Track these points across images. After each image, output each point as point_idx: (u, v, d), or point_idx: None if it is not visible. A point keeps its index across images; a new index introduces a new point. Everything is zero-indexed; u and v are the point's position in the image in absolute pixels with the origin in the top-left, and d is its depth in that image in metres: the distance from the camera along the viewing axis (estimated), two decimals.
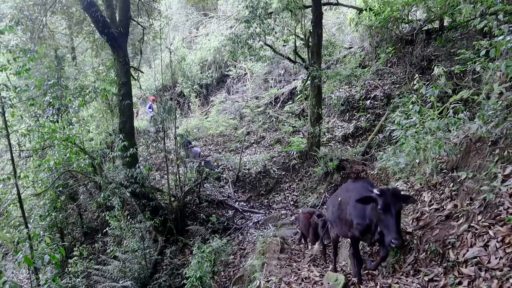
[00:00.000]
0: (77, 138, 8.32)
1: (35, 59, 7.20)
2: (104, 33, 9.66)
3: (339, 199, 5.02)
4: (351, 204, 4.61)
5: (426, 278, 4.24)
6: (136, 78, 12.51)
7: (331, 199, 5.83)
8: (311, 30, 11.21)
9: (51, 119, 9.31)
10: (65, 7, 11.88)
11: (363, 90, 13.56)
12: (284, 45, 13.19)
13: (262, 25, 10.69)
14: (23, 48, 7.02)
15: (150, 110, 17.44)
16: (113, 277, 8.56)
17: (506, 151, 4.28)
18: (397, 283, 4.41)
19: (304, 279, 5.34)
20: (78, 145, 8.49)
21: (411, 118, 5.75)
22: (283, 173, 12.94)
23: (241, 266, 7.86)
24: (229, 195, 12.47)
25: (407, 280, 4.49)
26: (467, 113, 5.55)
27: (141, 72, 14.38)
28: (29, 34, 11.52)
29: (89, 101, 9.85)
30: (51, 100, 8.52)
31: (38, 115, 10.06)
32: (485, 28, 5.11)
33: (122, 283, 8.13)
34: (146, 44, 15.24)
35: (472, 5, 7.83)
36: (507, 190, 3.96)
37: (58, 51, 11.76)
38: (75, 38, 13.91)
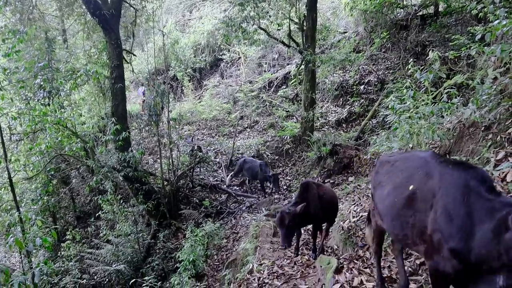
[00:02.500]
0: (68, 121, 8.20)
1: (25, 41, 7.05)
2: (95, 15, 9.50)
3: (411, 187, 2.94)
4: (442, 210, 2.58)
5: (417, 262, 4.28)
6: (128, 61, 12.37)
7: (386, 170, 3.46)
8: (306, 14, 11.11)
9: (42, 102, 9.19)
10: None
11: (357, 75, 13.53)
12: (278, 29, 13.08)
13: (256, 8, 10.57)
14: (12, 30, 6.87)
15: (143, 93, 17.31)
16: (106, 260, 8.58)
17: (499, 136, 4.30)
18: (389, 266, 4.45)
19: (296, 263, 5.39)
20: (70, 128, 8.39)
21: (405, 103, 5.74)
22: (277, 157, 12.96)
23: (234, 249, 7.91)
24: (222, 179, 12.48)
25: None
26: (461, 98, 5.57)
27: (134, 55, 14.23)
28: (18, 16, 11.29)
29: (81, 84, 9.73)
30: (42, 83, 8.43)
31: (28, 98, 9.94)
32: (480, 14, 5.09)
33: (115, 266, 8.16)
34: (139, 27, 15.00)
35: None
36: (499, 174, 3.99)
37: (48, 33, 11.50)
38: (66, 20, 13.65)
